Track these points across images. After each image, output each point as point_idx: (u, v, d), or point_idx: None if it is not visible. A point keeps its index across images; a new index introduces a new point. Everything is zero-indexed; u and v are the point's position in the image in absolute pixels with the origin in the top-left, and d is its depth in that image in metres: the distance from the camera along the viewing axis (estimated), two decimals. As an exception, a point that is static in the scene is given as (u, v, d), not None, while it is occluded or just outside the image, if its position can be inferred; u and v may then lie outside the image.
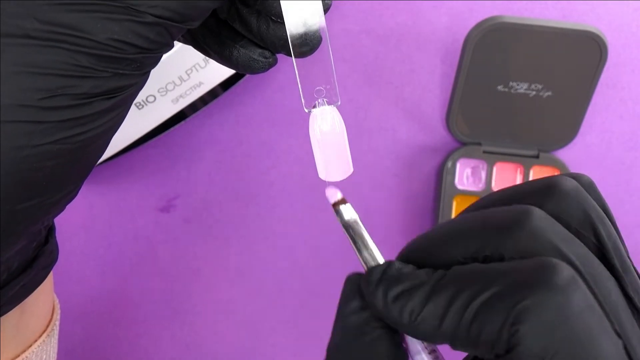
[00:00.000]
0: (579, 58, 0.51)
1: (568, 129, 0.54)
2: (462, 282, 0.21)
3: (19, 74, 0.21)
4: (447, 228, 0.23)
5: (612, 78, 0.55)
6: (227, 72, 0.50)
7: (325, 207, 0.56)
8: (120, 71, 0.22)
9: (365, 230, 0.26)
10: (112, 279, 0.56)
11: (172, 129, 0.50)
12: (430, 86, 0.55)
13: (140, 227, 0.55)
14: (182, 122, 0.50)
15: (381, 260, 0.25)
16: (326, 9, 0.25)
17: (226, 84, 0.50)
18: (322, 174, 0.25)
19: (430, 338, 0.22)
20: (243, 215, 0.55)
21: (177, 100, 0.49)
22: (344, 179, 0.28)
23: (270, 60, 0.27)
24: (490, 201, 0.24)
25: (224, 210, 0.55)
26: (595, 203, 0.23)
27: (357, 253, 0.26)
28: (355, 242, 0.26)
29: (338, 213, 0.26)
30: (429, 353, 0.24)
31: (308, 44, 0.25)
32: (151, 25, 0.22)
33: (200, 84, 0.49)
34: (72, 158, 0.23)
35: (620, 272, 0.22)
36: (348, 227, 0.26)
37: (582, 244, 0.22)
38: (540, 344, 0.19)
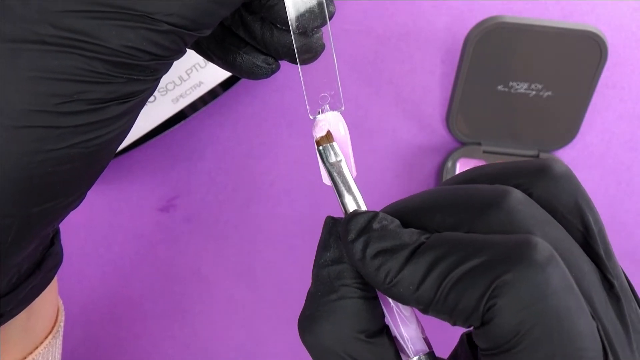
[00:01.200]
0: (579, 58, 0.51)
1: (568, 129, 0.54)
2: (443, 250, 0.21)
3: (35, 79, 0.21)
4: (430, 197, 0.23)
5: (612, 78, 0.55)
6: (227, 72, 0.50)
7: (325, 207, 0.56)
8: (135, 77, 0.22)
9: (350, 174, 0.25)
10: (112, 279, 0.56)
11: (172, 129, 0.50)
12: (430, 86, 0.55)
13: (140, 227, 0.55)
14: (182, 122, 0.50)
15: (364, 207, 0.24)
16: (330, 16, 0.25)
17: (226, 84, 0.50)
18: (326, 179, 0.25)
19: (403, 301, 0.22)
20: (243, 215, 0.55)
21: (177, 100, 0.49)
22: None
23: (273, 66, 0.27)
24: (478, 175, 0.24)
25: (224, 210, 0.55)
26: (584, 189, 0.23)
27: (338, 198, 0.24)
28: (337, 185, 0.24)
29: (322, 152, 0.25)
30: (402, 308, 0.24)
31: (311, 50, 0.25)
32: (166, 34, 0.22)
33: (200, 83, 0.49)
34: (86, 162, 0.23)
35: (603, 258, 0.22)
36: (332, 168, 0.25)
37: (561, 228, 0.22)
38: (516, 319, 0.20)
